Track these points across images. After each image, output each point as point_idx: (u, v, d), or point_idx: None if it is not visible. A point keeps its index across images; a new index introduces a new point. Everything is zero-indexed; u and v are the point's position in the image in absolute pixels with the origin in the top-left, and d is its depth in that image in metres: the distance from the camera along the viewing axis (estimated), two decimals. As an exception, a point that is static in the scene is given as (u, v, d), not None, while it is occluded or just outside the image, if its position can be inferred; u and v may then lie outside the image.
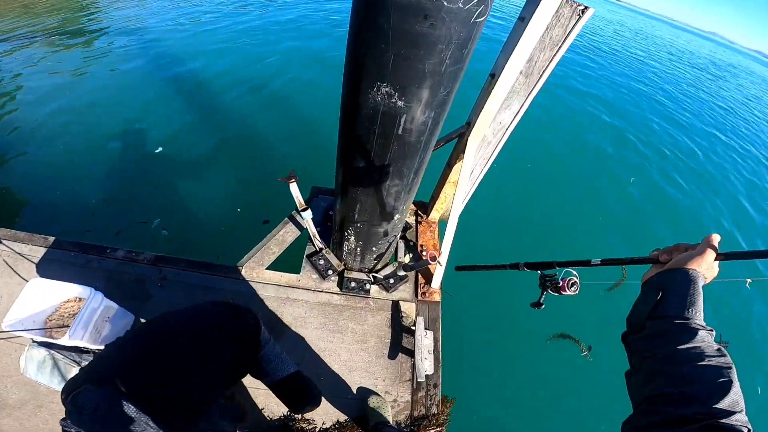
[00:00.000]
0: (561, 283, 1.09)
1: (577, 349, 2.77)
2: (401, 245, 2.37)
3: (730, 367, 0.58)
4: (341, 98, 1.35)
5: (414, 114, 1.23)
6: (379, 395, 1.94)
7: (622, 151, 5.25)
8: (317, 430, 1.85)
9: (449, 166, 2.20)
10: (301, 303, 2.11)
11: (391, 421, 1.86)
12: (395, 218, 1.83)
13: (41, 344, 1.75)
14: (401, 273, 2.04)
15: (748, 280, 0.92)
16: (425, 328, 2.10)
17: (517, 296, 2.72)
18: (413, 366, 2.02)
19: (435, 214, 2.51)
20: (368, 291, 2.18)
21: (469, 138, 1.90)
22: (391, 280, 2.21)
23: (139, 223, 2.75)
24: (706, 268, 0.68)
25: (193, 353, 1.14)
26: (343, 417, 1.90)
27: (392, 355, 2.07)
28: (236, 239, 2.57)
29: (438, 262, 1.86)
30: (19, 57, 4.43)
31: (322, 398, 1.90)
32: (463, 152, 1.94)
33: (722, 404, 0.54)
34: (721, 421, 0.51)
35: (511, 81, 1.61)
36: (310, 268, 2.23)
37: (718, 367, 0.58)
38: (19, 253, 2.09)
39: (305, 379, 1.52)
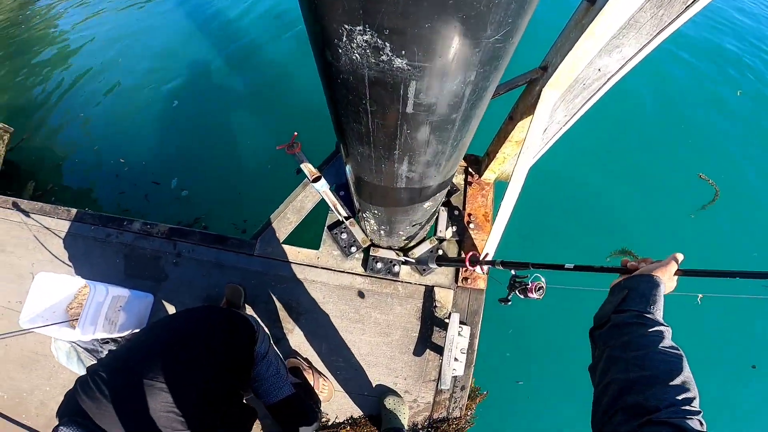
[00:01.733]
0: (530, 285, 1.12)
1: None
2: (443, 215, 1.89)
3: (682, 357, 0.61)
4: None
5: (433, 80, 0.66)
6: (397, 395, 1.74)
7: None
8: (330, 423, 1.76)
9: (512, 121, 1.57)
10: (320, 285, 1.85)
11: (405, 425, 1.69)
12: (424, 206, 1.35)
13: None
14: (433, 266, 1.62)
15: (699, 295, 0.93)
16: (461, 323, 1.73)
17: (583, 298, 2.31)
18: (441, 366, 1.73)
19: (490, 175, 1.92)
20: (397, 273, 1.82)
21: (544, 88, 1.24)
22: (424, 269, 1.80)
23: (153, 183, 2.62)
24: (668, 277, 0.75)
25: (175, 383, 1.04)
26: (358, 413, 1.77)
27: (418, 352, 1.80)
28: (266, 197, 2.29)
29: (480, 267, 1.39)
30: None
31: (340, 391, 1.78)
32: (534, 106, 1.29)
33: (672, 391, 0.56)
34: (671, 419, 0.52)
35: (626, 12, 0.92)
36: (331, 242, 1.90)
37: (670, 354, 0.61)
38: (47, 228, 2.08)
39: (300, 403, 1.35)
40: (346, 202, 1.92)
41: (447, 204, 1.95)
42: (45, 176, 2.76)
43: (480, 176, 1.95)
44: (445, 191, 1.36)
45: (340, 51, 0.65)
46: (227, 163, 2.70)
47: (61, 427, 0.94)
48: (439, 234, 1.86)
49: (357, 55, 0.64)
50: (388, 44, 0.60)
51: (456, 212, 1.92)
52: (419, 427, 1.76)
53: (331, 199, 1.80)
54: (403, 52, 0.60)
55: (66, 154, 2.85)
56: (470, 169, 1.99)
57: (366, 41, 0.61)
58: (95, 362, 1.60)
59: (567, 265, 1.05)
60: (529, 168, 1.52)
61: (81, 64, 3.34)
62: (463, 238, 1.89)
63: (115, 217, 2.07)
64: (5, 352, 2.02)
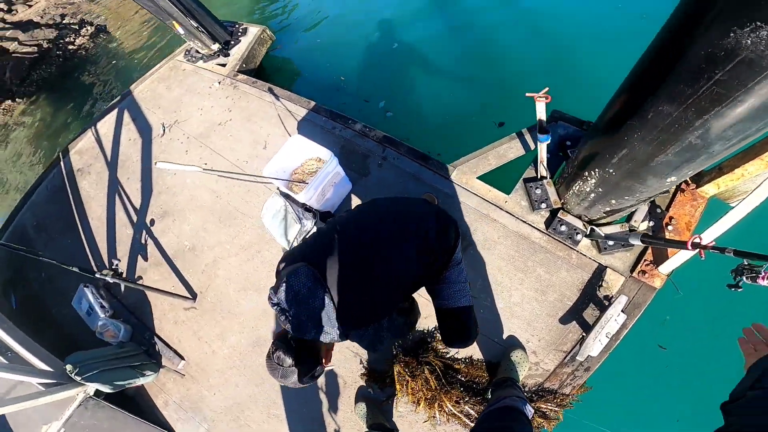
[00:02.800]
0: (763, 273, 1.13)
1: None
2: (643, 207, 1.87)
3: None
4: (664, 31, 1.08)
5: None
6: (524, 352, 1.79)
7: None
8: (448, 356, 1.88)
9: None
10: (499, 226, 2.00)
11: (520, 380, 1.74)
12: (667, 180, 1.39)
13: (282, 194, 2.08)
14: (635, 242, 1.62)
15: None
16: (621, 311, 1.69)
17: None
18: (579, 341, 1.77)
19: (710, 188, 1.83)
20: (577, 242, 1.88)
21: None
22: (610, 242, 1.82)
23: (364, 101, 3.11)
24: None
25: (391, 257, 1.14)
26: (478, 355, 1.86)
27: (564, 321, 1.84)
28: (463, 142, 2.53)
29: (701, 253, 1.36)
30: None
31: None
32: None
33: None
34: None
35: None
36: (522, 192, 2.04)
37: None
38: (289, 111, 2.63)
39: (471, 319, 1.38)
40: (548, 164, 2.03)
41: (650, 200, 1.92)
42: (283, 82, 3.42)
43: (696, 186, 1.88)
44: (686, 176, 1.39)
45: (731, 36, 0.82)
46: (433, 104, 3.02)
47: (301, 268, 1.06)
48: (632, 223, 1.85)
49: (748, 41, 0.80)
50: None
51: (658, 210, 1.89)
52: (526, 389, 1.79)
53: (543, 154, 1.93)
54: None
55: (302, 67, 3.54)
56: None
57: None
58: (330, 219, 1.72)
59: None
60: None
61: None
62: (655, 236, 1.85)
63: (343, 116, 2.52)
64: (213, 203, 2.55)
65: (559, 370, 1.78)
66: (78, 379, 1.97)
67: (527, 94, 1.78)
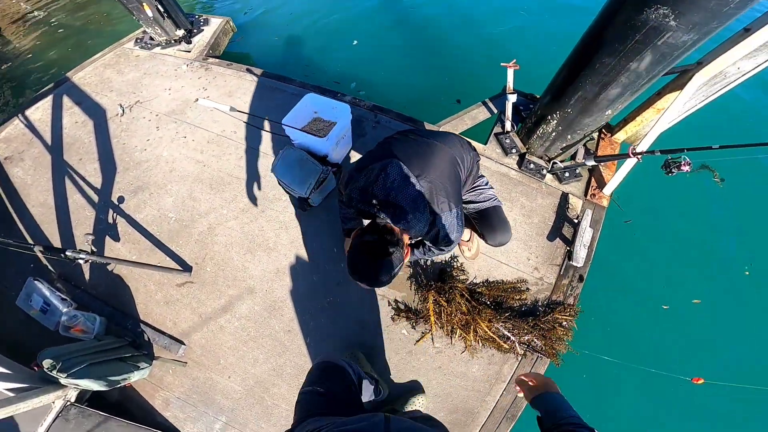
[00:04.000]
0: (682, 162, 1.58)
1: None
2: (581, 150, 2.49)
3: None
4: (603, 11, 1.64)
5: (680, 33, 1.42)
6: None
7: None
8: (468, 281, 2.12)
9: (659, 95, 2.20)
10: (484, 168, 2.41)
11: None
12: (606, 113, 1.97)
13: (298, 146, 2.23)
14: (590, 163, 2.16)
15: None
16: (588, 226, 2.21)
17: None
18: (565, 253, 2.19)
19: (621, 135, 2.55)
20: (543, 176, 2.39)
21: (696, 74, 1.89)
22: (567, 173, 2.38)
23: (335, 83, 3.37)
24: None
25: (449, 153, 1.39)
26: (493, 277, 2.14)
27: (551, 238, 2.27)
28: (428, 114, 2.83)
29: (638, 157, 1.94)
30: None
31: (483, 253, 2.15)
32: (683, 86, 1.95)
33: None
34: None
35: (764, 39, 1.62)
36: (495, 143, 2.50)
37: None
38: (273, 87, 2.76)
39: (502, 216, 1.70)
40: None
41: (584, 145, 2.56)
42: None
43: (611, 135, 2.59)
44: (625, 105, 1.98)
45: (644, 13, 1.42)
46: (397, 87, 3.34)
47: (394, 160, 1.22)
48: (577, 160, 2.46)
49: (653, 16, 1.41)
50: (673, 15, 1.37)
51: (591, 151, 2.53)
52: (539, 304, 2.07)
53: (509, 112, 2.45)
54: (677, 20, 1.38)
55: (264, 59, 3.61)
56: (603, 129, 2.64)
57: (663, 12, 1.38)
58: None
59: (714, 146, 1.53)
60: (662, 131, 2.14)
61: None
62: (593, 168, 2.47)
63: (332, 90, 2.73)
64: (200, 172, 2.47)
65: (559, 282, 2.12)
66: (62, 377, 1.61)
67: (502, 64, 2.28)
